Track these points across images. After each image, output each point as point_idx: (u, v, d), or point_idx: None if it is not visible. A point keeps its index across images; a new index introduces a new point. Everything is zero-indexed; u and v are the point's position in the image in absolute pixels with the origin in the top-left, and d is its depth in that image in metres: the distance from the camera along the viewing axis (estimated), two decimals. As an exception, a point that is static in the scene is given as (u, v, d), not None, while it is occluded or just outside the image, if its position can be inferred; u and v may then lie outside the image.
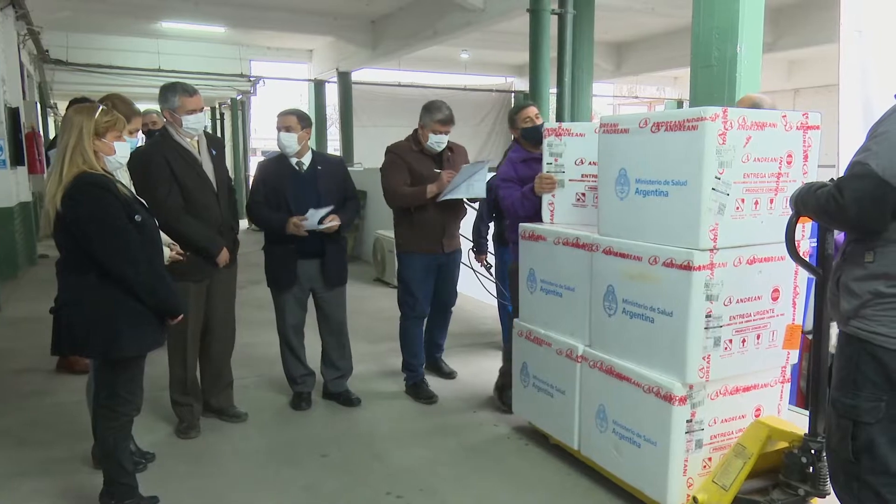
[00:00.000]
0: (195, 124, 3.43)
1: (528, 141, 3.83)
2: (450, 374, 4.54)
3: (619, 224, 2.83)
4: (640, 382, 2.72)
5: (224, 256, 3.52)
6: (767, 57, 6.49)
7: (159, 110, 3.64)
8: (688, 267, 2.51)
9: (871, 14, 6.04)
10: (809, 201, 2.04)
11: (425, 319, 4.34)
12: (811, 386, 2.50)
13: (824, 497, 2.46)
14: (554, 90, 6.08)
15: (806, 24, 10.97)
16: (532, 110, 3.94)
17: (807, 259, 2.63)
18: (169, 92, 3.40)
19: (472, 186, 3.95)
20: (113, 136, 2.58)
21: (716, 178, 2.47)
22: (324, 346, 4.08)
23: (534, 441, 3.50)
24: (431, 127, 4.01)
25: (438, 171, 4.03)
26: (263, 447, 3.54)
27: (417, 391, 4.21)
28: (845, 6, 6.10)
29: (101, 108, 2.58)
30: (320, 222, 3.72)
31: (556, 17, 5.86)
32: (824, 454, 2.43)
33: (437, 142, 4.04)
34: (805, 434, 2.50)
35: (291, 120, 3.78)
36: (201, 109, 3.48)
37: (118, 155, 2.62)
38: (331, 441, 3.59)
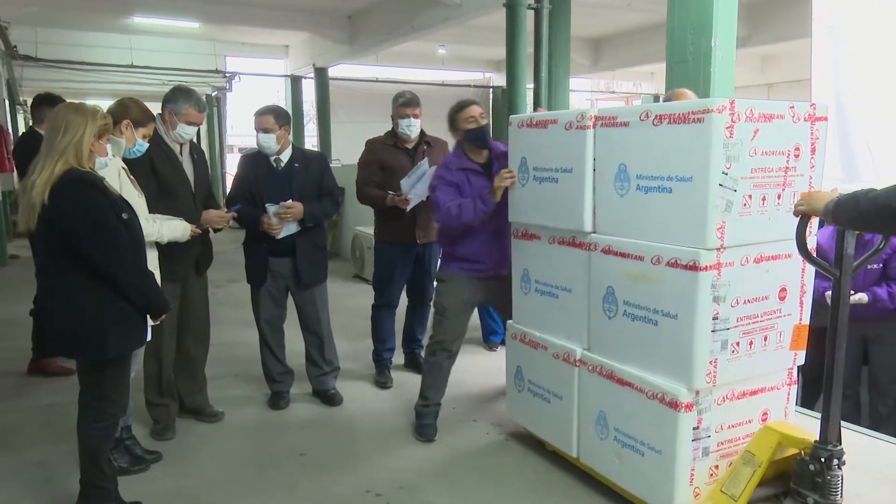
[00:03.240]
0: (187, 134, 3.41)
1: (471, 144, 3.40)
2: None
3: (619, 222, 2.66)
4: (643, 388, 2.56)
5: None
6: (741, 52, 6.44)
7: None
8: (694, 267, 2.36)
9: (842, 10, 6.05)
10: (869, 210, 1.87)
11: (395, 309, 4.34)
12: (823, 391, 2.37)
13: None
14: (531, 85, 5.97)
15: (779, 20, 10.94)
16: (476, 109, 3.42)
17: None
18: (182, 97, 3.36)
19: (415, 189, 3.90)
20: (106, 138, 2.59)
21: (723, 173, 2.30)
22: (305, 344, 4.01)
23: (527, 445, 3.34)
24: (398, 112, 4.09)
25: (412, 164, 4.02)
26: (241, 447, 3.44)
27: (376, 373, 4.34)
28: (817, 2, 6.10)
29: (101, 110, 2.57)
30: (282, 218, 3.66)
31: (532, 11, 5.75)
32: (835, 462, 2.31)
33: (407, 125, 4.09)
34: (815, 441, 2.36)
35: (268, 121, 3.66)
36: (200, 125, 3.47)
37: (108, 156, 2.64)
38: (310, 440, 3.51)
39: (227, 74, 14.38)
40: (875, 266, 3.71)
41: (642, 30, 12.53)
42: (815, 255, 2.39)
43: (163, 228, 3.06)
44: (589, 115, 2.71)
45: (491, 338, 5.00)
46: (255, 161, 3.81)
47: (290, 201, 3.64)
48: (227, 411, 3.78)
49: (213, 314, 3.79)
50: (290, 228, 3.69)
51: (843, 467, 2.33)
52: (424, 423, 3.50)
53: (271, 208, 3.63)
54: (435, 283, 3.64)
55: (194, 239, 3.33)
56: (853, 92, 4.79)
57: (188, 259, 3.43)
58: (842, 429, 2.40)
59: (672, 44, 3.38)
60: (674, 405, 2.44)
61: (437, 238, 3.79)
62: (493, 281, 3.45)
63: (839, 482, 2.30)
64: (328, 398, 3.97)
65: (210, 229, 3.48)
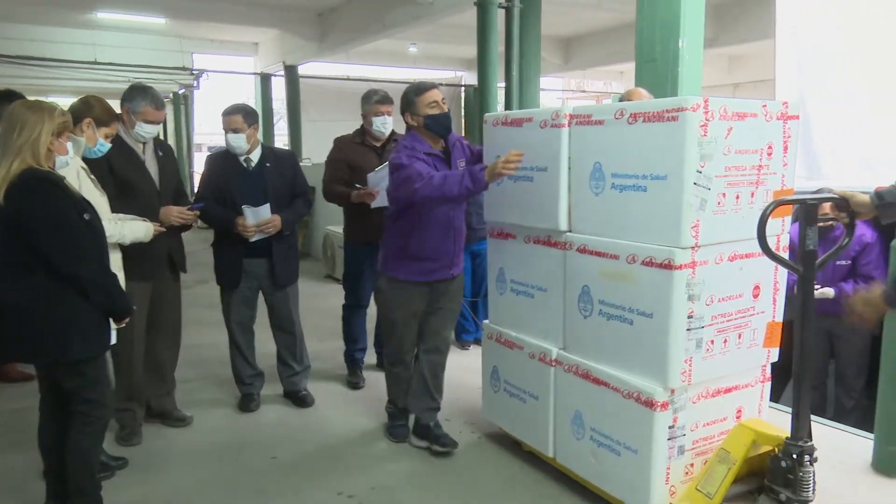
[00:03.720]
0: (147, 133, 3.30)
1: (432, 132, 3.09)
2: None
3: (594, 221, 2.64)
4: (619, 387, 2.55)
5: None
6: (708, 52, 6.51)
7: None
8: (668, 266, 2.35)
9: (805, 13, 6.17)
10: None
11: (366, 309, 4.29)
12: (793, 388, 2.37)
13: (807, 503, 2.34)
14: (502, 84, 5.96)
15: (745, 21, 11.09)
16: (438, 93, 3.11)
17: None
18: (139, 95, 3.25)
19: (383, 183, 3.80)
20: (66, 136, 2.49)
21: (697, 171, 2.30)
22: (277, 345, 3.95)
23: (503, 446, 3.31)
24: (372, 110, 4.02)
25: (378, 164, 3.95)
26: (210, 451, 3.36)
27: (348, 373, 4.32)
28: (780, 5, 6.22)
29: (59, 107, 2.48)
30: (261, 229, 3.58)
31: (503, 10, 5.73)
32: (806, 459, 2.31)
33: (381, 123, 4.04)
34: (787, 438, 2.37)
35: (237, 121, 3.58)
36: (160, 123, 3.36)
37: (69, 155, 2.56)
38: (281, 442, 3.46)
39: (194, 72, 14.10)
40: (844, 262, 3.77)
41: (612, 29, 12.59)
42: (776, 252, 2.38)
43: (124, 229, 2.97)
44: (564, 114, 2.69)
45: (463, 336, 4.96)
46: (223, 160, 3.72)
47: (269, 215, 3.58)
48: (195, 415, 3.71)
49: (182, 316, 3.70)
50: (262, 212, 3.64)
51: (814, 463, 2.35)
52: (396, 425, 3.45)
53: (248, 210, 3.56)
54: (377, 297, 3.36)
55: (163, 237, 3.24)
56: (815, 92, 4.87)
57: (158, 258, 3.34)
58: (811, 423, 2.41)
59: (641, 44, 3.39)
60: (649, 404, 2.43)
61: (382, 236, 3.37)
62: (442, 284, 3.23)
63: (811, 478, 2.31)
64: (300, 399, 3.93)
65: (176, 227, 3.38)
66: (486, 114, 3.33)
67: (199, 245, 3.96)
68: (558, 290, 2.82)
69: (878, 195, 2.07)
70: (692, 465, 2.53)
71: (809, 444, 2.32)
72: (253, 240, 3.60)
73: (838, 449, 3.09)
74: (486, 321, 3.34)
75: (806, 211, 2.28)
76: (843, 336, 3.87)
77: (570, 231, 2.76)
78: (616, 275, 2.54)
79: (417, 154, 3.03)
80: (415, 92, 3.10)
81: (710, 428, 2.56)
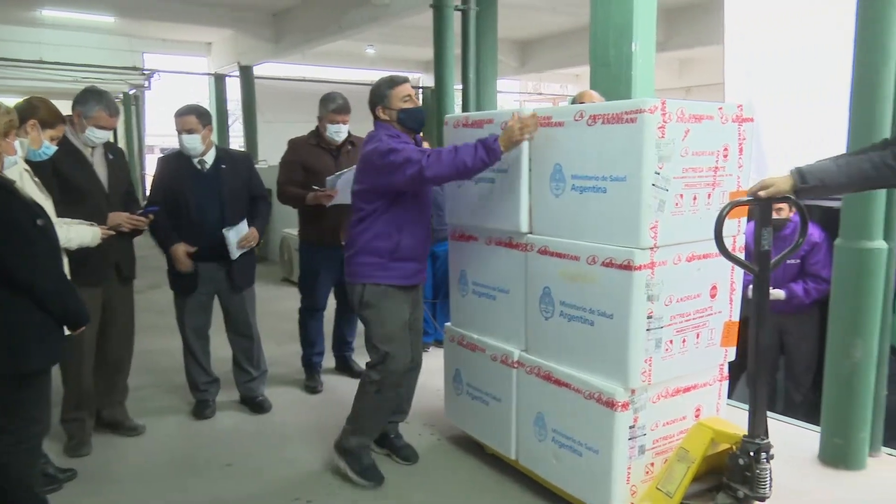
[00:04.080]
0: (97, 138, 3.20)
1: (405, 126, 2.92)
2: (360, 374, 4.28)
3: (555, 222, 2.64)
4: (581, 388, 2.55)
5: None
6: (660, 56, 6.63)
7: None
8: (628, 267, 2.36)
9: (752, 19, 6.34)
10: (851, 170, 1.88)
11: (323, 312, 4.23)
12: (748, 386, 2.40)
13: (763, 501, 2.36)
14: (459, 86, 5.93)
15: (695, 26, 11.35)
16: (410, 87, 2.96)
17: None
18: (93, 99, 3.15)
19: (341, 182, 3.77)
20: (13, 136, 2.36)
21: (656, 173, 2.31)
22: (233, 350, 3.86)
23: (465, 449, 3.29)
24: (328, 117, 3.96)
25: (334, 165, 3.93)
26: (163, 461, 3.27)
27: (306, 377, 4.23)
28: (729, 10, 6.39)
29: (3, 105, 2.34)
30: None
31: (459, 13, 5.72)
32: (763, 456, 2.33)
33: (335, 131, 3.98)
34: (744, 436, 2.39)
35: (191, 121, 3.49)
36: (112, 129, 3.26)
37: (18, 154, 2.47)
38: (237, 449, 3.39)
39: (145, 72, 13.76)
40: (794, 261, 3.86)
41: (568, 33, 12.74)
42: (733, 252, 2.40)
43: (70, 233, 2.85)
44: (508, 123, 2.66)
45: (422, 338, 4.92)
46: (175, 163, 3.61)
47: (246, 230, 3.60)
48: (147, 424, 3.59)
49: (134, 322, 3.59)
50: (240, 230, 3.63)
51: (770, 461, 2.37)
52: (366, 466, 3.00)
53: (229, 233, 3.53)
54: (364, 313, 2.96)
55: (112, 242, 3.13)
56: (762, 95, 5.00)
57: (106, 263, 3.23)
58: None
59: (595, 47, 3.41)
60: (610, 405, 2.44)
61: (354, 240, 2.98)
62: (416, 289, 3.11)
63: (767, 475, 2.32)
64: (256, 405, 3.84)
65: (126, 232, 3.26)
66: (447, 115, 3.31)
67: (149, 249, 3.86)
68: (520, 292, 2.81)
69: (802, 177, 2.06)
70: (652, 464, 2.55)
71: (766, 441, 2.34)
72: (235, 257, 3.59)
73: (788, 442, 3.16)
74: (447, 324, 3.31)
75: (760, 211, 2.31)
76: (792, 333, 3.97)
77: (531, 233, 2.75)
78: (577, 276, 2.54)
79: (403, 139, 2.88)
80: (388, 84, 2.93)
81: (670, 427, 2.59)
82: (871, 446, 3.08)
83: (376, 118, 2.96)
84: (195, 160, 3.56)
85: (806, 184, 1.99)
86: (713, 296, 2.58)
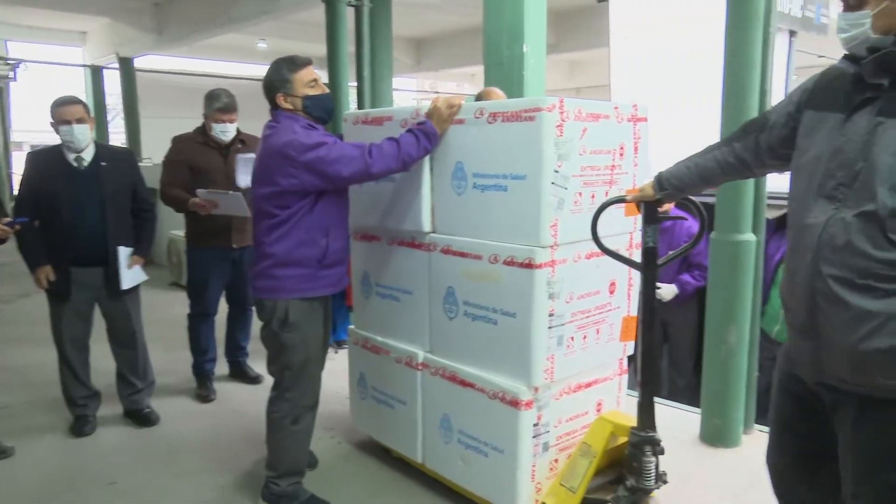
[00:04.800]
0: None
1: (311, 116, 2.59)
2: (256, 379, 4.19)
3: (458, 221, 2.59)
4: (485, 388, 2.52)
5: None
6: (551, 58, 6.79)
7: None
8: (529, 265, 2.35)
9: (635, 23, 6.63)
10: (701, 171, 1.93)
11: (214, 317, 4.05)
12: (637, 380, 2.44)
13: (649, 492, 2.35)
14: (354, 83, 5.85)
15: (583, 29, 11.72)
16: (314, 70, 2.62)
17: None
18: None
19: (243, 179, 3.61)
20: None
21: (555, 171, 2.31)
22: (116, 361, 3.61)
23: (371, 454, 3.20)
24: (213, 116, 3.76)
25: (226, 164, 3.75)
26: (37, 483, 3.00)
27: (197, 385, 4.03)
28: (613, 15, 6.64)
29: None
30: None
31: (352, 8, 5.61)
32: (647, 448, 2.33)
33: (221, 131, 3.79)
34: (632, 427, 2.38)
35: (80, 110, 3.23)
36: None
37: None
38: (122, 466, 3.16)
39: (9, 61, 12.62)
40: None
41: (462, 32, 12.82)
42: (614, 251, 2.37)
43: None
44: (424, 112, 2.62)
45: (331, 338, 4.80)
46: (47, 160, 3.30)
47: (133, 255, 3.43)
48: (18, 445, 3.29)
49: (1, 334, 3.26)
50: (138, 275, 3.48)
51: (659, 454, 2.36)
52: (304, 501, 2.72)
53: (124, 274, 3.37)
54: (285, 336, 2.59)
55: None
56: (646, 96, 5.20)
57: None
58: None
59: (488, 47, 3.41)
60: (514, 404, 2.42)
61: (267, 250, 2.58)
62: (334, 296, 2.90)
63: (651, 466, 2.29)
64: (142, 418, 3.60)
65: None
66: (346, 112, 3.19)
67: (16, 255, 3.53)
68: (424, 293, 2.75)
69: (659, 183, 2.13)
70: (556, 460, 2.56)
71: (650, 434, 2.31)
72: (125, 287, 3.40)
73: (673, 425, 3.30)
74: (351, 326, 3.21)
75: (645, 209, 2.30)
76: (674, 323, 4.15)
77: (434, 232, 2.70)
78: (480, 275, 2.51)
79: (322, 131, 2.57)
80: (289, 67, 2.54)
81: (573, 423, 2.61)
82: (745, 424, 3.27)
83: (276, 107, 2.59)
84: (72, 157, 3.26)
85: (664, 189, 2.06)
86: (612, 292, 2.63)
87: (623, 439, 2.49)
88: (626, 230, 2.61)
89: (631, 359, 2.88)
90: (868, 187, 1.44)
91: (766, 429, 3.35)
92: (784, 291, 1.69)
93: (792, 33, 7.54)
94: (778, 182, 4.67)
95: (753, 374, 3.28)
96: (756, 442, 3.22)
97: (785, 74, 8.90)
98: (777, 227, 4.41)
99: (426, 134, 2.51)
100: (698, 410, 3.36)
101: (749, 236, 3.12)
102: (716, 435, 3.23)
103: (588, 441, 2.51)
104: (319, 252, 2.56)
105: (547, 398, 2.47)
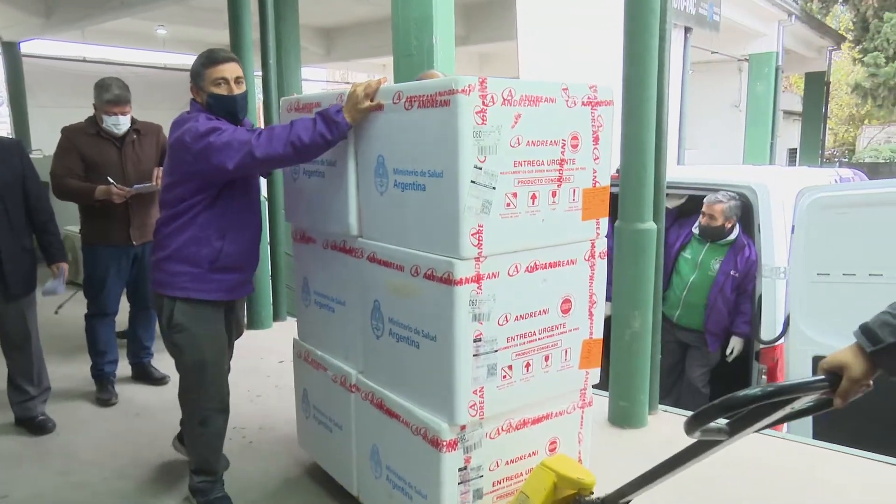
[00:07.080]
0: None
1: (215, 114, 2.37)
2: (161, 380, 3.93)
3: (381, 225, 2.11)
4: (409, 421, 2.05)
5: None
6: (461, 49, 6.41)
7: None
8: (448, 280, 1.85)
9: (540, 16, 6.43)
10: None
11: (114, 317, 3.79)
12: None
13: None
14: (259, 73, 5.37)
15: (492, 22, 11.33)
16: (233, 68, 2.38)
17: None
18: None
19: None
20: None
21: (476, 167, 1.82)
22: (8, 367, 3.32)
23: (314, 479, 2.75)
24: (103, 108, 3.46)
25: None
26: None
27: (97, 389, 3.72)
28: (520, 8, 6.43)
29: None
30: None
31: (255, -5, 5.11)
32: None
33: (113, 124, 3.48)
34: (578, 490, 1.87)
35: None
36: None
37: None
38: (13, 478, 2.88)
39: None
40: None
41: (372, 23, 12.18)
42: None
43: None
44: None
45: None
46: None
47: (53, 265, 3.28)
48: None
49: None
50: (58, 287, 3.31)
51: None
52: (214, 499, 2.53)
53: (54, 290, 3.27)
54: (174, 338, 2.42)
55: None
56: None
57: None
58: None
59: (398, 38, 3.27)
60: (436, 444, 1.95)
61: (163, 241, 2.42)
62: (238, 303, 2.64)
63: None
64: (36, 426, 3.30)
65: None
66: (282, 98, 2.70)
67: None
68: (356, 305, 2.26)
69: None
70: (494, 507, 2.09)
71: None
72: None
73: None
74: (295, 337, 2.71)
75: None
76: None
77: (361, 236, 2.21)
78: (402, 289, 2.02)
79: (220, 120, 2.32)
80: (203, 62, 2.37)
81: (516, 465, 2.12)
82: (650, 405, 3.30)
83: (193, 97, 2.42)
84: None
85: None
86: (566, 311, 2.12)
87: (567, 492, 1.92)
88: (586, 237, 2.13)
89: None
90: None
91: (670, 409, 3.44)
92: None
93: (687, 30, 7.55)
94: (677, 172, 4.49)
95: (657, 357, 3.30)
96: (661, 422, 3.28)
97: (681, 69, 8.89)
98: (677, 216, 4.24)
99: (327, 120, 2.09)
100: (606, 394, 3.30)
101: (650, 225, 3.08)
102: (623, 416, 3.23)
103: (526, 491, 1.97)
104: (212, 253, 2.34)
105: (478, 437, 2.00)
